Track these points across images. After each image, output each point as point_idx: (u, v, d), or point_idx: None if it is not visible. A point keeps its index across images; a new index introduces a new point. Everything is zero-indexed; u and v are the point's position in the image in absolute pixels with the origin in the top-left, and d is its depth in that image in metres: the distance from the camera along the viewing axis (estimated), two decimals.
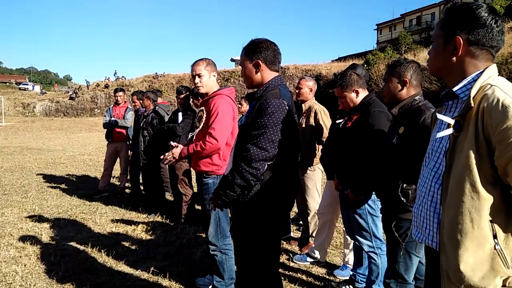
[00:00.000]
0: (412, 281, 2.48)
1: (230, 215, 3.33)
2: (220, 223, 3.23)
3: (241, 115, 5.17)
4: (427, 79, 20.96)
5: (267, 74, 2.39)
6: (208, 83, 3.26)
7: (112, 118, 7.23)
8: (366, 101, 3.04)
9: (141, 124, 6.16)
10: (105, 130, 7.44)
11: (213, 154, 3.15)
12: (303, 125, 4.31)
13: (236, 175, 2.17)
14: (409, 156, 2.25)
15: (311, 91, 4.43)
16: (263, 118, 2.17)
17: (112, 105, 7.66)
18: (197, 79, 3.24)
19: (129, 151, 7.22)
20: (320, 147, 4.35)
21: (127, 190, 7.46)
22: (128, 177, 7.27)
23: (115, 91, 7.67)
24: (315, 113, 4.30)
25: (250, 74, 2.40)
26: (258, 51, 2.36)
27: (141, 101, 6.50)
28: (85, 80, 48.67)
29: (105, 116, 7.47)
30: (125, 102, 7.57)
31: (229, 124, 3.15)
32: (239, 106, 5.29)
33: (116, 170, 7.71)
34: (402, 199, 2.32)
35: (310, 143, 4.32)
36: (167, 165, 6.25)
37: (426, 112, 2.31)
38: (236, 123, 3.27)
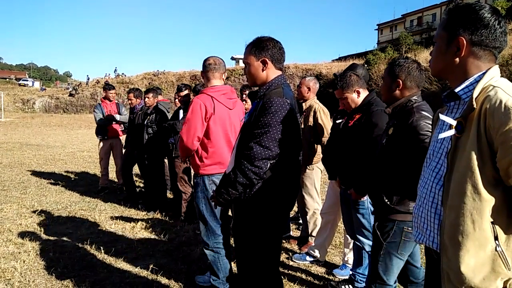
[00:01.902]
0: (394, 282, 2.43)
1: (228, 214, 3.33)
2: (208, 222, 3.22)
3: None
4: (427, 79, 20.94)
5: (272, 73, 2.38)
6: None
7: (117, 115, 7.17)
8: (367, 101, 3.04)
9: (146, 122, 6.12)
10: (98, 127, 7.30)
11: (188, 153, 3.19)
12: (302, 124, 4.31)
13: (239, 173, 2.17)
14: (396, 158, 2.25)
15: (309, 90, 4.42)
16: (267, 117, 2.17)
17: (100, 101, 7.54)
18: None
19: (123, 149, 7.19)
20: (319, 146, 4.36)
21: (125, 187, 7.45)
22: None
23: (109, 88, 7.48)
24: (314, 112, 4.30)
25: (255, 72, 2.37)
26: (266, 48, 2.34)
27: (145, 99, 6.37)
28: (87, 75, 48.77)
29: (96, 112, 7.27)
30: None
31: (196, 124, 3.10)
32: (244, 103, 5.26)
33: (112, 165, 7.65)
34: (386, 200, 2.31)
35: (309, 142, 4.32)
36: (167, 163, 6.28)
37: (415, 114, 2.25)
38: (217, 124, 3.18)
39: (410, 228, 2.27)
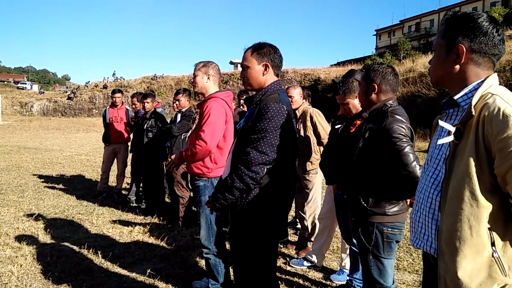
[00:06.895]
0: (393, 283, 2.46)
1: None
2: (212, 226, 3.23)
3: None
4: (425, 85, 21.03)
5: (270, 78, 2.40)
6: (200, 82, 3.27)
7: None
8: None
9: (145, 126, 6.13)
10: (103, 132, 7.40)
11: (205, 156, 3.14)
12: (301, 131, 4.32)
13: (236, 178, 2.18)
14: (371, 161, 2.30)
15: (302, 96, 4.50)
16: (263, 122, 2.18)
17: (108, 107, 7.51)
18: (195, 78, 3.31)
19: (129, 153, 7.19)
20: (321, 148, 4.36)
21: (124, 192, 7.44)
22: (128, 179, 7.22)
23: (113, 92, 7.50)
24: (311, 117, 4.33)
25: (256, 75, 2.38)
26: (268, 53, 2.37)
27: (144, 104, 6.37)
28: (88, 81, 48.98)
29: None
30: (123, 103, 7.48)
31: (220, 127, 3.13)
32: (241, 107, 5.29)
33: (113, 170, 7.67)
34: (362, 202, 2.34)
35: (310, 147, 4.33)
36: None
37: (389, 118, 2.30)
38: (230, 126, 3.25)
39: (389, 229, 2.33)
